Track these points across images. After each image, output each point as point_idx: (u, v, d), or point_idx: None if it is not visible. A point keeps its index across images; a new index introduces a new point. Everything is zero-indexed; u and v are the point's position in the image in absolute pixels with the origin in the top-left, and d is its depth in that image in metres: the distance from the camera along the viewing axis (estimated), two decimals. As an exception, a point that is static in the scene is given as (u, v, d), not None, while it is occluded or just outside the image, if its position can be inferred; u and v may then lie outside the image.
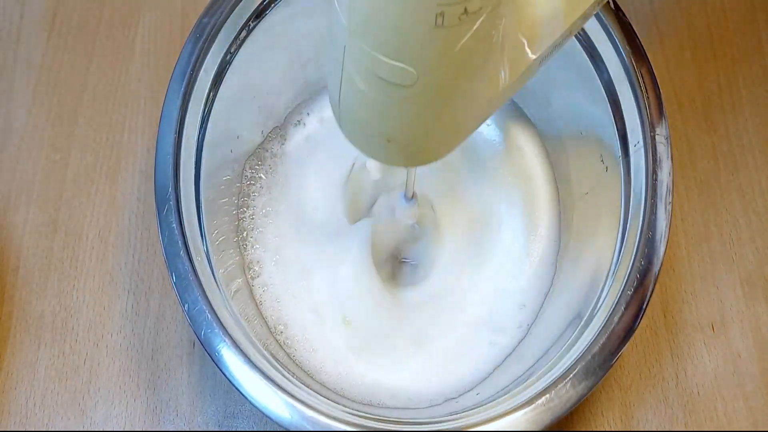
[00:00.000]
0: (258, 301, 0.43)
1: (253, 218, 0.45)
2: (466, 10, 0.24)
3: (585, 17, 0.32)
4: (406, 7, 0.24)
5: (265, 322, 0.43)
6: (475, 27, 0.25)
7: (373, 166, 0.41)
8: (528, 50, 0.31)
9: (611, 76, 0.38)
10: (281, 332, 0.43)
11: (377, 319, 0.43)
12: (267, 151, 0.46)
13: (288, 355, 0.42)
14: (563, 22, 0.31)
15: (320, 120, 0.47)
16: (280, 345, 0.42)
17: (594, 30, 0.39)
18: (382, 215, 0.45)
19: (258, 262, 0.44)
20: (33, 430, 0.43)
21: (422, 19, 0.24)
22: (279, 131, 0.47)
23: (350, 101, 0.29)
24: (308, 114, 0.48)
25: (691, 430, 0.43)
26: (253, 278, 0.44)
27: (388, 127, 0.29)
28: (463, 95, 0.28)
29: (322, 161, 0.47)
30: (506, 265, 0.45)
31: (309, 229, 0.45)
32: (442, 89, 0.27)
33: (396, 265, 0.46)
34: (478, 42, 0.26)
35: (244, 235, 0.44)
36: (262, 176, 0.46)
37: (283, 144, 0.47)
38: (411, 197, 0.40)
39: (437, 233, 0.45)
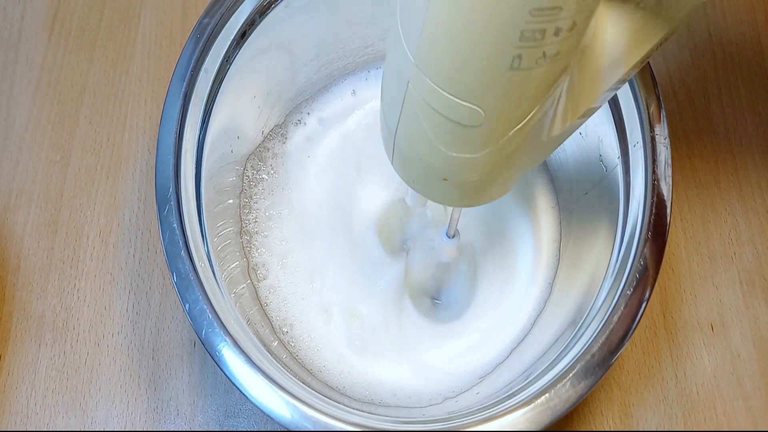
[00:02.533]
0: (263, 303, 0.43)
1: (256, 221, 0.45)
2: (544, 54, 0.23)
3: (641, 63, 0.31)
4: (485, 47, 0.23)
5: (270, 322, 0.43)
6: (552, 70, 0.24)
7: (413, 199, 0.40)
8: (590, 95, 0.29)
9: (611, 76, 0.38)
10: (286, 332, 0.43)
11: (382, 319, 0.43)
12: (268, 150, 0.46)
13: (291, 354, 0.42)
14: (622, 68, 0.29)
15: (320, 120, 0.48)
16: (284, 345, 0.42)
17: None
18: (418, 250, 0.44)
19: (264, 265, 0.44)
20: (34, 429, 0.43)
21: (499, 60, 0.23)
22: (279, 130, 0.47)
23: (408, 137, 0.28)
24: (308, 113, 0.48)
25: (691, 429, 0.43)
26: (259, 281, 0.44)
27: (447, 166, 0.28)
28: (527, 139, 0.27)
29: (322, 162, 0.47)
30: (508, 268, 0.45)
31: (315, 232, 0.45)
32: (507, 132, 0.26)
33: (427, 302, 0.45)
34: (549, 86, 0.25)
35: (249, 238, 0.44)
36: (264, 177, 0.46)
37: (284, 143, 0.47)
38: (453, 235, 0.40)
39: (473, 276, 0.44)
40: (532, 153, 0.29)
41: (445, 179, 0.29)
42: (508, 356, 0.42)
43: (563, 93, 0.27)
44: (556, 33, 0.22)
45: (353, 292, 0.44)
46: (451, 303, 0.45)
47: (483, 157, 0.27)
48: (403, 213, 0.45)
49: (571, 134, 0.32)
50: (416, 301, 0.44)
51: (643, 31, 0.29)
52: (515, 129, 0.26)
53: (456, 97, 0.24)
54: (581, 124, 0.31)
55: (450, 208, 0.38)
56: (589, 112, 0.31)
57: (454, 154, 0.27)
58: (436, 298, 0.45)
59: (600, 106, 0.31)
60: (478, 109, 0.25)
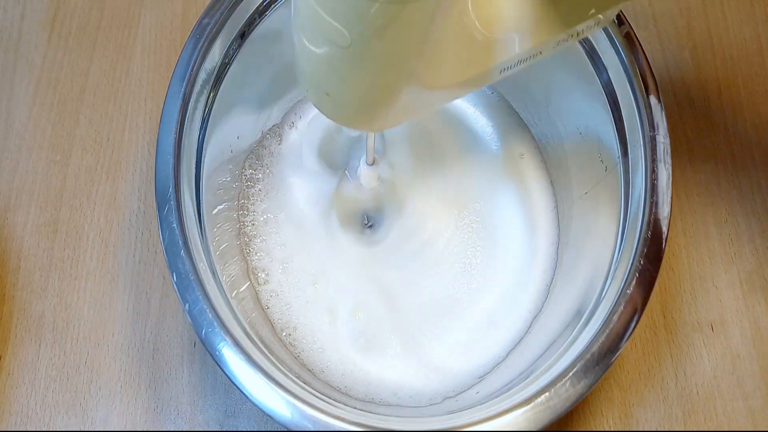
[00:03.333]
0: (264, 306, 0.43)
1: (254, 224, 0.45)
2: None
3: (557, 43, 0.33)
4: None
5: (272, 324, 0.43)
6: (408, 10, 0.26)
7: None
8: (480, 57, 0.32)
9: (610, 76, 0.39)
10: (289, 335, 0.43)
11: (385, 318, 0.44)
12: (265, 149, 0.46)
13: (293, 355, 0.42)
14: (529, 41, 0.32)
15: (313, 120, 0.48)
16: (286, 346, 0.42)
17: (593, 30, 0.39)
18: (349, 177, 0.46)
19: (264, 270, 0.44)
20: (34, 429, 0.43)
21: None
22: (277, 130, 0.47)
23: (299, 52, 0.31)
24: (300, 117, 0.48)
25: (690, 429, 0.43)
26: (260, 285, 0.44)
27: (327, 81, 0.31)
28: (396, 73, 0.30)
29: (311, 163, 0.47)
30: (507, 267, 0.45)
31: (313, 234, 0.45)
32: (373, 60, 0.29)
33: (360, 227, 0.47)
34: (413, 26, 0.27)
35: (247, 241, 0.44)
36: (260, 177, 0.46)
37: (279, 144, 0.47)
38: (371, 163, 0.43)
39: (398, 203, 0.46)
40: (412, 92, 0.31)
41: (327, 94, 0.32)
42: (507, 356, 0.42)
43: (443, 42, 0.29)
44: None
45: (358, 289, 0.44)
46: (380, 223, 0.46)
47: (352, 78, 0.30)
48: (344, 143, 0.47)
49: (475, 89, 0.35)
50: (345, 227, 0.46)
51: (544, 16, 0.31)
52: (380, 60, 0.29)
53: (327, 16, 0.27)
54: (479, 86, 0.34)
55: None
56: (485, 79, 0.33)
57: (330, 71, 0.31)
58: (366, 223, 0.47)
59: (498, 77, 0.33)
60: (344, 31, 0.27)
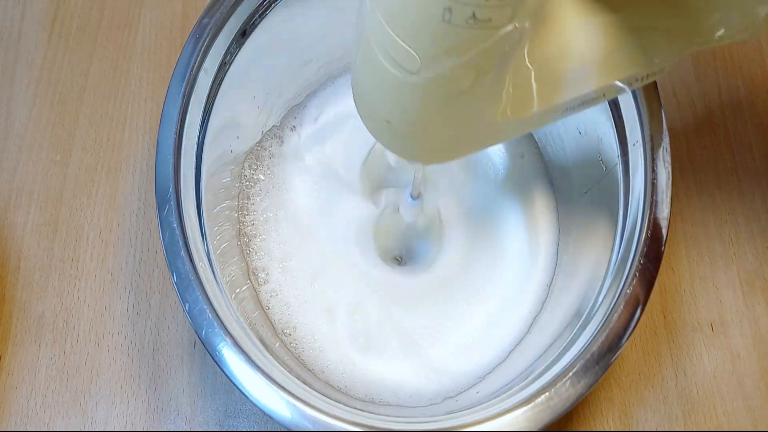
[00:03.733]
0: (265, 307, 0.43)
1: (254, 224, 0.45)
2: (474, 15, 0.24)
3: (616, 89, 0.32)
4: None
5: (272, 324, 0.43)
6: (483, 37, 0.25)
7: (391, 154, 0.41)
8: (547, 94, 0.30)
9: (611, 75, 0.39)
10: (289, 334, 0.43)
11: (385, 317, 0.44)
12: (265, 150, 0.46)
13: (293, 355, 0.42)
14: (591, 84, 0.30)
15: (316, 120, 0.48)
16: (286, 346, 0.42)
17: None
18: (388, 209, 0.45)
19: (264, 269, 0.44)
20: (34, 430, 0.43)
21: (431, 8, 0.24)
22: (277, 131, 0.47)
23: (361, 74, 0.30)
24: (306, 114, 0.48)
25: (691, 429, 0.43)
26: (259, 285, 0.44)
27: (389, 108, 0.29)
28: (463, 102, 0.28)
29: (316, 164, 0.47)
30: (507, 267, 0.45)
31: (313, 235, 0.45)
32: (441, 87, 0.27)
33: (392, 262, 0.46)
34: (485, 56, 0.26)
35: (246, 241, 0.44)
36: (261, 177, 0.46)
37: (281, 145, 0.47)
38: (417, 197, 0.41)
39: (439, 240, 0.45)
40: (474, 124, 0.30)
41: (388, 121, 0.30)
42: (507, 356, 0.42)
43: (509, 76, 0.28)
44: None
45: (356, 290, 0.44)
46: (415, 263, 0.46)
47: (418, 105, 0.28)
48: (384, 170, 0.46)
49: (533, 129, 0.32)
50: (383, 258, 0.45)
51: (619, 54, 0.30)
52: (449, 87, 0.27)
53: (398, 38, 0.26)
54: (542, 124, 0.32)
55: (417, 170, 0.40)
56: (549, 116, 0.31)
57: (394, 97, 0.29)
58: (400, 257, 0.46)
59: (561, 115, 0.32)
60: (415, 54, 0.26)
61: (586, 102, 0.32)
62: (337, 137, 0.47)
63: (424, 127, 0.30)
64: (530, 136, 0.48)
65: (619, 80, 0.31)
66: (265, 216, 0.45)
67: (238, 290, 0.42)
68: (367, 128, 0.32)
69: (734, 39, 0.30)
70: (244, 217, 0.45)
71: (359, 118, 0.33)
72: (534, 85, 0.30)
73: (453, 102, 0.28)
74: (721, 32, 0.30)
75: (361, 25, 0.28)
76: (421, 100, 0.28)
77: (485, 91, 0.28)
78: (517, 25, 0.25)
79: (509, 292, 0.44)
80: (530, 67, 0.29)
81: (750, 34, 0.29)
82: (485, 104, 0.29)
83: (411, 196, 0.41)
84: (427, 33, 0.25)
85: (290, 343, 0.43)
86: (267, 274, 0.44)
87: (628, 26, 0.30)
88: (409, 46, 0.26)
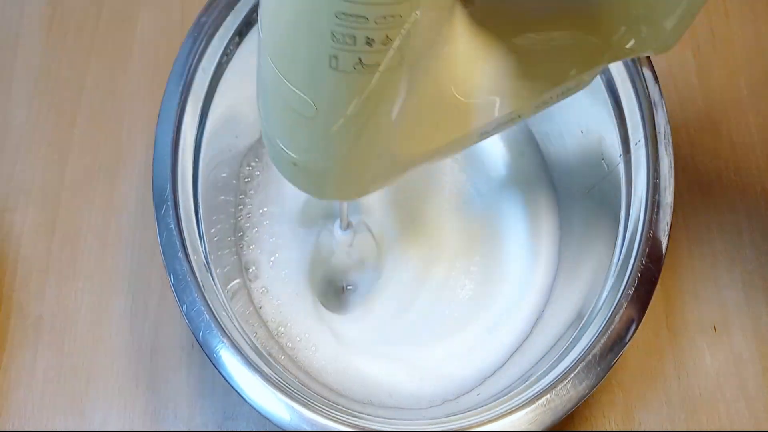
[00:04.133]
0: (257, 305, 0.43)
1: (249, 217, 0.45)
2: (360, 60, 0.23)
3: (537, 105, 0.31)
4: (303, 37, 0.24)
5: (265, 324, 0.43)
6: (374, 80, 0.24)
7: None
8: (457, 122, 0.30)
9: (612, 74, 0.38)
10: (282, 333, 0.43)
11: (380, 316, 0.43)
12: (263, 147, 0.46)
13: (289, 356, 0.42)
14: (508, 105, 0.30)
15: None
16: (281, 347, 0.42)
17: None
18: (324, 243, 0.45)
19: (254, 262, 0.44)
20: (32, 431, 0.42)
21: (317, 56, 0.24)
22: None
23: (265, 118, 0.29)
24: None
25: (693, 430, 0.42)
26: (251, 281, 0.44)
27: (293, 151, 0.29)
28: (365, 140, 0.28)
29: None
30: (509, 268, 0.45)
31: (304, 229, 0.45)
32: (341, 130, 0.27)
33: (337, 291, 0.46)
34: (383, 96, 0.25)
35: (241, 235, 0.44)
36: (258, 173, 0.46)
37: None
38: (346, 227, 0.43)
39: (379, 263, 0.45)
40: (382, 160, 0.30)
41: (294, 164, 0.30)
42: (508, 359, 0.42)
43: (409, 110, 0.27)
44: (368, 42, 0.23)
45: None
46: (358, 289, 0.46)
47: (321, 149, 0.28)
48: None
49: (444, 158, 0.33)
50: (322, 295, 0.45)
51: (522, 80, 0.30)
52: (351, 130, 0.27)
53: (291, 85, 0.25)
54: (456, 151, 0.32)
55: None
56: (460, 144, 0.31)
57: (296, 141, 0.29)
58: (348, 285, 0.46)
59: (477, 140, 0.32)
60: (309, 100, 0.26)
61: (501, 125, 0.31)
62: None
63: (329, 167, 0.30)
64: (531, 135, 0.47)
65: (529, 103, 0.31)
66: (261, 210, 0.45)
67: (235, 292, 0.41)
68: (278, 170, 0.32)
69: (647, 50, 0.30)
70: (240, 212, 0.45)
71: None
72: (442, 116, 0.29)
73: (355, 141, 0.28)
74: (631, 44, 0.29)
75: (259, 71, 0.28)
76: (323, 141, 0.28)
77: (386, 128, 0.28)
78: (406, 65, 0.25)
79: (511, 294, 0.44)
80: (431, 101, 0.28)
81: (661, 45, 0.29)
82: (388, 140, 0.29)
83: (340, 227, 0.43)
84: (317, 80, 0.25)
85: (285, 343, 0.42)
86: (258, 268, 0.44)
87: (530, 50, 0.30)
88: (303, 93, 0.25)
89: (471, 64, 0.29)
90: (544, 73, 0.30)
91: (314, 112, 0.26)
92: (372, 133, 0.27)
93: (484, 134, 0.31)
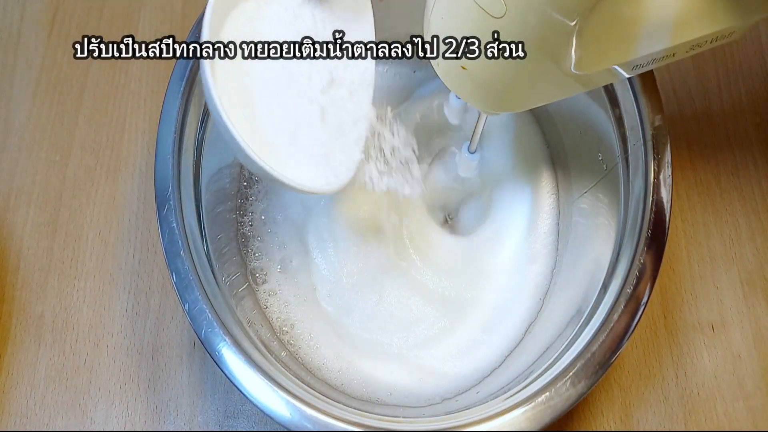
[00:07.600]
0: (263, 306, 0.43)
1: (252, 225, 0.45)
2: None
3: (691, 47, 0.32)
4: None
5: (269, 323, 0.43)
6: None
7: (452, 110, 0.42)
8: (618, 49, 0.31)
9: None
10: (286, 332, 0.43)
11: (381, 317, 0.43)
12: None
13: (290, 353, 0.42)
14: (666, 41, 0.31)
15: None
16: (284, 344, 0.42)
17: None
18: (440, 163, 0.46)
19: (263, 270, 0.44)
20: (33, 429, 0.43)
21: None
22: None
23: (442, 14, 0.30)
24: None
25: (691, 429, 0.43)
26: (258, 285, 0.44)
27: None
28: (541, 51, 0.29)
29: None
30: (507, 267, 0.45)
31: (312, 235, 0.45)
32: (525, 32, 0.28)
33: (441, 217, 0.47)
34: (571, 6, 0.27)
35: (244, 241, 0.44)
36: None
37: None
38: (474, 151, 0.42)
39: (488, 203, 0.46)
40: (549, 75, 0.31)
41: (464, 67, 0.31)
42: (508, 356, 0.42)
43: (588, 29, 0.29)
44: None
45: (355, 290, 0.44)
46: (463, 223, 0.47)
47: (498, 50, 0.29)
48: (439, 126, 0.47)
49: (597, 86, 0.34)
50: (432, 214, 0.46)
51: (695, 13, 0.31)
52: (532, 33, 0.28)
53: None
54: (603, 82, 0.34)
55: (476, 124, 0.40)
56: (611, 75, 0.32)
57: (477, 42, 0.29)
58: (450, 216, 0.47)
59: (624, 76, 0.33)
60: (502, 0, 0.27)
61: (656, 60, 0.32)
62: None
63: (500, 74, 0.30)
64: (530, 135, 0.47)
65: (691, 39, 0.32)
66: (263, 218, 0.45)
67: (236, 290, 0.41)
68: (439, 74, 0.32)
69: None
70: (243, 218, 0.45)
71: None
72: (611, 38, 0.30)
73: (531, 50, 0.29)
74: None
75: None
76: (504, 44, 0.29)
77: (564, 42, 0.29)
78: None
79: (510, 293, 0.44)
80: (610, 20, 0.29)
81: None
82: (562, 54, 0.29)
83: (468, 150, 0.42)
84: None
85: (288, 341, 0.42)
86: (266, 274, 0.44)
87: None
88: None
89: None
90: (709, 11, 0.31)
91: (503, 12, 0.27)
92: (550, 42, 0.28)
93: (639, 67, 0.32)
